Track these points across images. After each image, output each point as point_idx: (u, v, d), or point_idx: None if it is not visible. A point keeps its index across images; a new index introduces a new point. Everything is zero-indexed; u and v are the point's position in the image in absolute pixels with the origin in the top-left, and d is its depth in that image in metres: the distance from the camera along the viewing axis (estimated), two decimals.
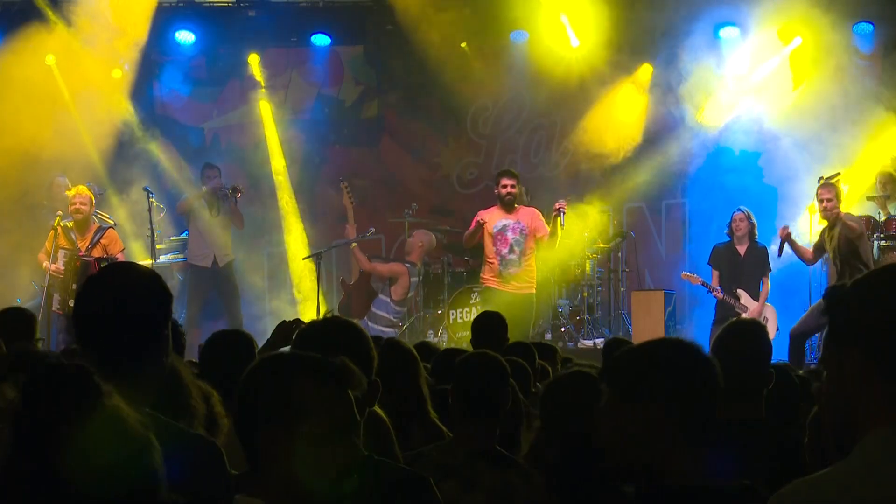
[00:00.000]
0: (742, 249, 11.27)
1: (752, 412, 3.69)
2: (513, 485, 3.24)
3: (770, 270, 11.34)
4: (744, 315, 10.90)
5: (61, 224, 10.78)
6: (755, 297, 11.17)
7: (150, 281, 2.71)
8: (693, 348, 2.33)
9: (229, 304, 12.44)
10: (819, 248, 10.69)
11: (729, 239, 11.36)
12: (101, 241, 10.56)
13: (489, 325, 6.35)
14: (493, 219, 10.78)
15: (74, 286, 10.09)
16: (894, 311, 1.96)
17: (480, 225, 10.73)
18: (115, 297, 2.64)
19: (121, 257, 10.50)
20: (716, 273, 11.33)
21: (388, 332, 11.38)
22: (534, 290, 10.77)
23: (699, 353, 2.32)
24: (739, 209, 11.35)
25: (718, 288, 11.16)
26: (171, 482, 2.53)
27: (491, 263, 10.76)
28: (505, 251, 10.68)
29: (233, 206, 12.14)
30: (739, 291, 11.13)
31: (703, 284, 11.36)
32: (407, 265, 12.21)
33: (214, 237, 12.28)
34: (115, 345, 2.61)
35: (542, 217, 10.87)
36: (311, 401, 2.17)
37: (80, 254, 10.33)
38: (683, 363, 2.29)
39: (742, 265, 11.23)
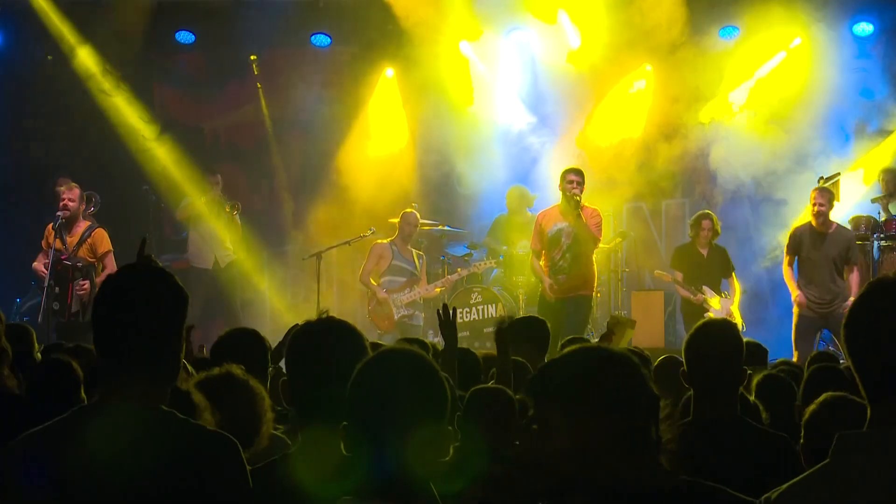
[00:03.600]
0: (705, 251, 11.44)
1: (724, 411, 3.75)
2: (513, 477, 3.30)
3: (734, 269, 11.51)
4: (711, 311, 11.03)
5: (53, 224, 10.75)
6: (718, 294, 11.38)
7: (165, 282, 2.74)
8: (629, 360, 2.37)
9: (230, 305, 12.46)
10: (794, 252, 10.64)
11: (690, 239, 11.52)
12: (89, 239, 10.48)
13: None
14: (550, 221, 10.30)
15: (57, 289, 10.16)
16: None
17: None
18: (130, 299, 2.69)
19: (108, 259, 10.40)
20: (679, 274, 11.45)
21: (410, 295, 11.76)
22: (575, 294, 10.14)
23: (635, 364, 2.35)
24: (708, 215, 11.46)
25: (691, 288, 11.27)
26: (188, 478, 2.56)
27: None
28: (556, 257, 10.21)
29: (230, 217, 12.17)
30: (704, 288, 11.26)
31: (674, 282, 11.49)
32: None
33: (215, 239, 12.29)
34: (131, 346, 2.66)
35: (598, 219, 10.27)
36: None
37: (63, 257, 10.28)
38: (631, 377, 2.32)
39: (705, 266, 11.41)
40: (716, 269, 11.46)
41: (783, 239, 11.60)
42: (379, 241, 12.02)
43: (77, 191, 10.70)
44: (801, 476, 2.01)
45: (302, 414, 2.96)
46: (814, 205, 10.42)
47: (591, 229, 10.10)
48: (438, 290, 11.97)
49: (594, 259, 10.46)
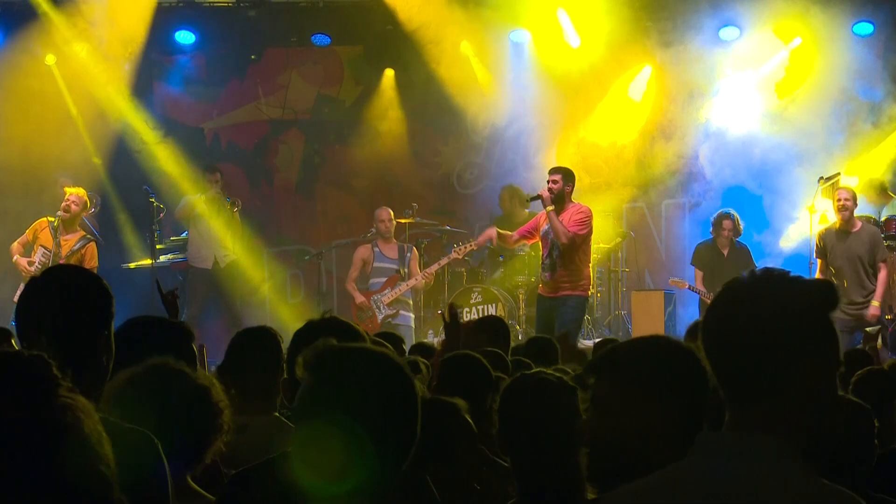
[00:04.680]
0: (725, 251, 11.38)
1: None
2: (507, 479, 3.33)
3: (756, 267, 11.44)
4: None
5: (49, 218, 10.75)
6: None
7: (88, 284, 2.76)
8: (694, 353, 2.40)
9: (230, 305, 12.45)
10: (821, 255, 10.51)
11: (711, 238, 11.47)
12: (81, 250, 10.56)
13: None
14: (545, 221, 10.18)
15: None
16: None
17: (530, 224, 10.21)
18: (52, 300, 2.72)
19: None
20: (699, 273, 11.42)
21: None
22: (563, 294, 9.86)
23: (699, 358, 2.32)
24: (729, 215, 11.41)
25: (709, 291, 11.22)
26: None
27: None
28: (544, 255, 10.12)
29: (231, 214, 12.17)
30: None
31: (690, 289, 11.45)
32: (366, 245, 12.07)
33: (215, 238, 12.28)
34: (53, 346, 2.65)
35: (582, 216, 9.95)
36: None
37: (61, 261, 10.28)
38: (698, 365, 2.34)
39: (726, 265, 11.32)
40: (737, 269, 11.39)
41: (783, 237, 11.66)
42: (362, 245, 12.04)
43: (83, 196, 10.73)
44: (652, 474, 1.95)
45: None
46: (837, 201, 10.27)
47: (569, 224, 9.84)
48: (423, 282, 11.93)
49: (581, 258, 9.98)
